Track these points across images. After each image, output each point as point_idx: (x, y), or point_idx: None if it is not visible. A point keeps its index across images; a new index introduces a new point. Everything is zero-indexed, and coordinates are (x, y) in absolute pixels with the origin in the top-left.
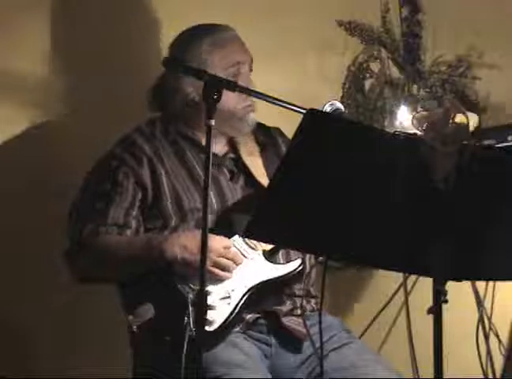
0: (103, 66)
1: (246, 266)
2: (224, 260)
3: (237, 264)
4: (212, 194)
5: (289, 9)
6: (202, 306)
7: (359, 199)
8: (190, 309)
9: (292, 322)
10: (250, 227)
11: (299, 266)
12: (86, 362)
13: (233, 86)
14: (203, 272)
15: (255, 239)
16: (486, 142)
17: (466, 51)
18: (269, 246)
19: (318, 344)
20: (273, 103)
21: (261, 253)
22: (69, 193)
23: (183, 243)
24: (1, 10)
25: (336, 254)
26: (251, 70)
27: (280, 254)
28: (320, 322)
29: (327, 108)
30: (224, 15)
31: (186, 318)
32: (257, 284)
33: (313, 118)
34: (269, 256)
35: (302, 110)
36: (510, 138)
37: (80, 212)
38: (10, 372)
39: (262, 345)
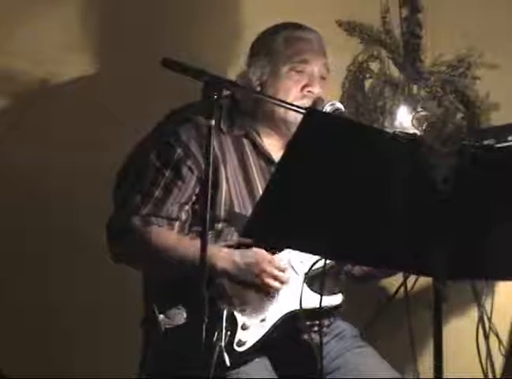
0: None
1: (287, 289)
2: (276, 272)
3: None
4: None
5: (289, 9)
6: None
7: (359, 199)
8: (224, 324)
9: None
10: (249, 227)
11: (341, 302)
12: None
13: (233, 86)
14: (203, 273)
15: (254, 239)
16: (486, 142)
17: (466, 51)
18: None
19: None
20: (274, 103)
21: (302, 276)
22: None
23: (233, 259)
24: None
25: (335, 254)
26: (323, 77)
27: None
28: (320, 322)
29: (327, 108)
30: None
31: (217, 333)
32: (295, 311)
33: (313, 118)
34: (311, 282)
35: (302, 111)
36: (510, 138)
37: (135, 190)
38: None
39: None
